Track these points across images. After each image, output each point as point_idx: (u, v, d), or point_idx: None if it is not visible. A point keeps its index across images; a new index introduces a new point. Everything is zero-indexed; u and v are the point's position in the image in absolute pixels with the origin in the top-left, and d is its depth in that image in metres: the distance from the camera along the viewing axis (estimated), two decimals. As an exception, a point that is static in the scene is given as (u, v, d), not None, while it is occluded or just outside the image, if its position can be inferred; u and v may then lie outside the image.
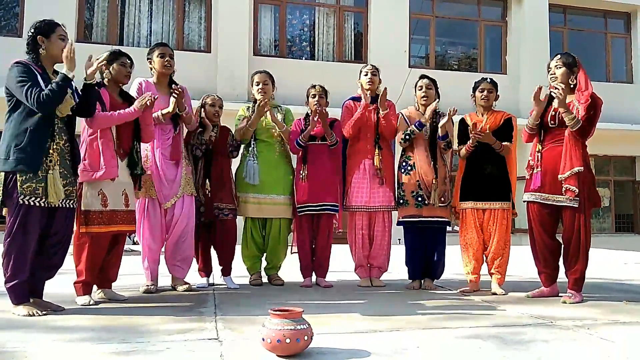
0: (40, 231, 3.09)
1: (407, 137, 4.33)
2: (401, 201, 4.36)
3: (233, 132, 4.44)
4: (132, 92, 3.88)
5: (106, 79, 3.60)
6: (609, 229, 13.48)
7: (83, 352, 2.37)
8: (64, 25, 3.27)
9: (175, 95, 3.87)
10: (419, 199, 4.27)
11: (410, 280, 4.42)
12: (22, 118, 3.04)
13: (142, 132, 3.67)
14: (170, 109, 3.89)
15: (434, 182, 4.22)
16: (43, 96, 2.98)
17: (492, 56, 13.16)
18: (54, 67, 3.25)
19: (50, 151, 3.08)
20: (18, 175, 2.99)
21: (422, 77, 4.46)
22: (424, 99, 4.35)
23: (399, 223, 4.42)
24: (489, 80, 4.28)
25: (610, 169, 13.55)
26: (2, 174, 3.02)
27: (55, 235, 3.18)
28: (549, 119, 3.83)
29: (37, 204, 3.02)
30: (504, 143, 4.12)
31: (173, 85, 3.95)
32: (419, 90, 4.39)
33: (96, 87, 3.32)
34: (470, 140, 4.10)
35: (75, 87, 3.28)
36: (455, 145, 4.37)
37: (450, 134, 4.28)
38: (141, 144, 3.76)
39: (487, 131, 4.05)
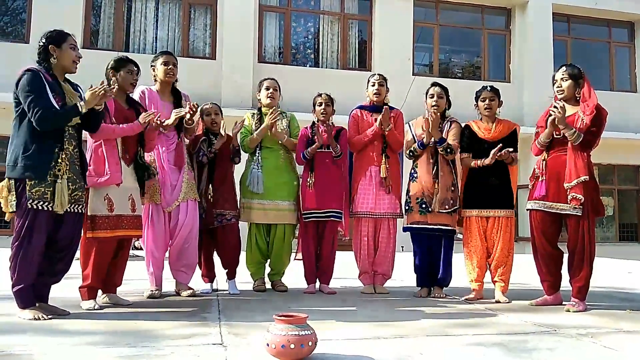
0: (48, 235, 3.11)
1: (411, 153, 4.39)
2: (407, 208, 4.39)
3: (239, 140, 4.44)
4: (135, 98, 3.91)
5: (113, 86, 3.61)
6: (613, 238, 13.42)
7: (89, 355, 2.38)
8: (74, 35, 3.31)
9: (191, 113, 3.92)
10: (423, 205, 4.28)
11: (419, 288, 4.40)
12: (32, 125, 3.06)
13: (145, 143, 3.71)
14: (170, 121, 3.88)
15: (435, 187, 4.23)
16: (44, 116, 3.01)
17: (496, 64, 13.17)
18: (64, 75, 3.28)
19: (60, 159, 3.11)
20: (27, 180, 3.02)
21: (434, 84, 4.42)
22: (435, 107, 4.33)
23: (404, 229, 4.43)
24: (489, 88, 4.29)
25: (614, 178, 13.52)
26: (12, 180, 3.05)
27: (62, 240, 3.20)
28: (554, 130, 3.84)
29: (46, 209, 3.05)
30: (513, 154, 4.14)
31: (190, 104, 3.95)
32: (430, 98, 4.35)
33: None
34: (490, 159, 4.09)
35: (81, 93, 3.32)
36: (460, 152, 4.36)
37: (449, 139, 4.25)
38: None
39: (508, 153, 4.07)
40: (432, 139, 4.22)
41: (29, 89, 3.03)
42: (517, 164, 4.25)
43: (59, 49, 3.18)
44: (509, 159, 4.11)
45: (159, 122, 3.66)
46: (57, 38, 3.20)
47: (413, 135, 4.41)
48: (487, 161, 4.11)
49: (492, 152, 4.07)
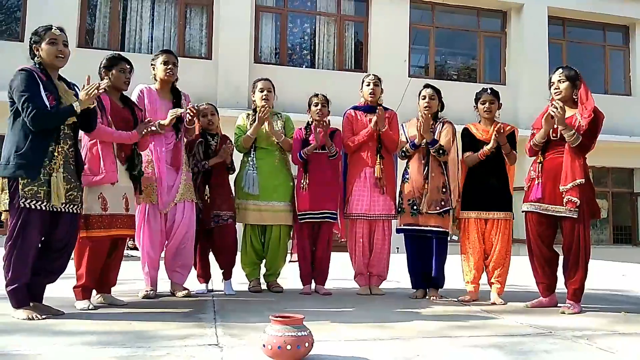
0: (42, 235, 3.10)
1: (403, 154, 4.40)
2: (399, 209, 4.38)
3: (233, 141, 4.44)
4: (133, 98, 3.90)
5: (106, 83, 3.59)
6: (607, 241, 13.49)
7: (84, 356, 2.37)
8: (61, 28, 3.21)
9: (191, 115, 3.94)
10: (414, 207, 4.27)
11: (414, 290, 4.40)
12: (26, 123, 3.04)
13: (139, 143, 3.69)
14: (166, 121, 3.87)
15: (425, 188, 4.23)
16: (37, 115, 2.98)
17: (491, 67, 13.21)
18: (58, 73, 3.26)
19: (55, 154, 3.09)
20: (20, 179, 3.00)
21: (426, 86, 4.44)
22: (427, 109, 4.34)
23: (397, 230, 4.43)
24: (489, 91, 4.29)
25: (608, 180, 13.58)
26: (5, 179, 3.02)
27: (59, 241, 3.18)
28: (550, 132, 3.84)
29: (39, 208, 3.03)
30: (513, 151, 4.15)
31: (189, 107, 3.98)
32: (422, 99, 4.37)
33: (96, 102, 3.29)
34: (492, 142, 4.08)
35: (76, 92, 3.29)
36: (457, 154, 4.35)
37: (441, 141, 4.24)
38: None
39: (503, 132, 4.07)
40: (424, 140, 4.23)
41: (23, 89, 3.02)
42: (514, 163, 4.25)
43: (40, 47, 3.16)
44: (504, 143, 4.08)
45: (156, 126, 3.67)
46: (36, 38, 3.17)
47: (406, 136, 4.42)
48: (489, 146, 4.09)
49: (491, 133, 4.06)
